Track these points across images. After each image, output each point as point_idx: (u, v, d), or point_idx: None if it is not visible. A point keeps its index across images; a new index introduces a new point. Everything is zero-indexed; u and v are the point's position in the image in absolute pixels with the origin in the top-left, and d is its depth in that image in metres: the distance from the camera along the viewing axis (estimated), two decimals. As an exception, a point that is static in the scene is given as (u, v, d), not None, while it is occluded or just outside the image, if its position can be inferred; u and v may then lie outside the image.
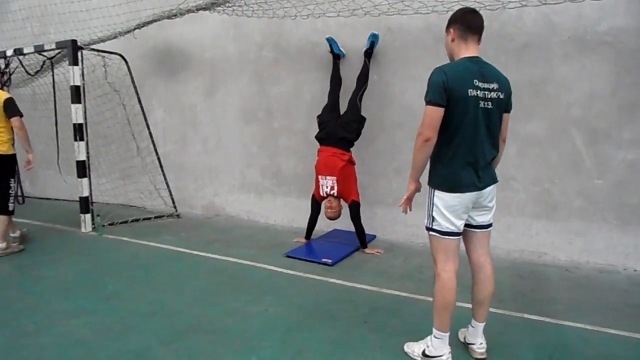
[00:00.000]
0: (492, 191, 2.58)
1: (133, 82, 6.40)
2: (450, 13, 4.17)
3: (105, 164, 7.11)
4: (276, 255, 4.69)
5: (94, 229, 5.86)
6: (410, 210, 2.76)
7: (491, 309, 3.32)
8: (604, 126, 4.22)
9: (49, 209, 7.35)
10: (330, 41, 5.06)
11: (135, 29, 5.83)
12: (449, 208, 2.48)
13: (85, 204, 5.84)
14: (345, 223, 5.19)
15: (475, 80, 2.38)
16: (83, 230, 5.83)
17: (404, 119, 5.08)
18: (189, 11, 5.18)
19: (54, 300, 3.67)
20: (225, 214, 6.54)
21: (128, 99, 6.55)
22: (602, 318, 3.24)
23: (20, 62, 6.62)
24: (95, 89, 6.54)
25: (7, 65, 6.92)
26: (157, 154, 6.57)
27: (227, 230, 5.81)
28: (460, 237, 2.59)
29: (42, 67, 6.64)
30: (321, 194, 4.79)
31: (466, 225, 2.61)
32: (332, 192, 4.67)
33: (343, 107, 5.01)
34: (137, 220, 6.26)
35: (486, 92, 2.41)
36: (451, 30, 2.54)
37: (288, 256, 4.66)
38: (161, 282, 4.05)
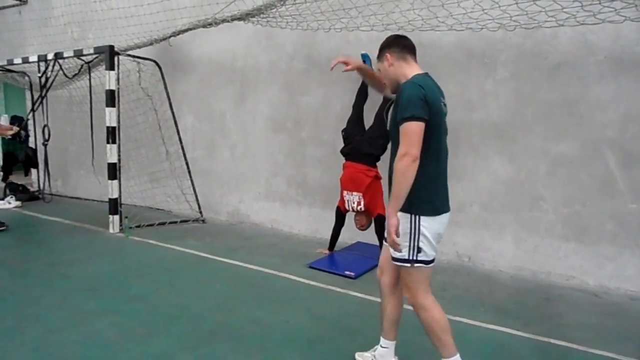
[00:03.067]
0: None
1: (166, 88, 6.55)
2: (485, 31, 4.21)
3: (135, 167, 7.27)
4: (299, 266, 4.69)
5: (121, 230, 5.98)
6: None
7: (517, 332, 3.28)
8: (639, 149, 4.11)
9: (78, 209, 7.53)
10: (365, 57, 5.06)
11: (170, 36, 5.98)
12: (434, 234, 2.33)
13: (114, 206, 5.97)
14: (368, 236, 5.17)
15: (441, 98, 2.34)
16: (111, 230, 5.95)
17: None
18: (224, 21, 5.28)
19: (81, 299, 3.75)
20: (250, 221, 6.60)
21: (160, 104, 6.70)
22: (633, 348, 3.13)
23: (60, 66, 6.84)
24: (129, 94, 6.71)
25: (47, 68, 7.15)
26: (185, 159, 6.68)
27: (251, 238, 5.85)
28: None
29: (79, 70, 6.85)
30: (347, 208, 4.79)
31: None
32: (358, 208, 4.65)
33: (368, 120, 5.01)
34: (163, 223, 6.36)
35: (444, 107, 2.38)
36: (387, 55, 2.44)
37: (311, 267, 4.66)
38: (185, 287, 4.10)
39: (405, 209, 2.26)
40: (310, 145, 5.96)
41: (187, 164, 6.69)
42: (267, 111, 6.30)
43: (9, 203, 7.52)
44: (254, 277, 4.41)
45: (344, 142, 4.95)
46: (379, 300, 3.83)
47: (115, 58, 5.88)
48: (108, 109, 5.79)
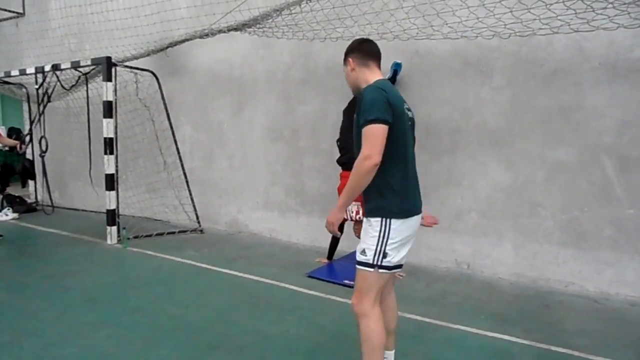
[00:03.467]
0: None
1: (163, 98, 6.55)
2: (480, 39, 4.24)
3: (133, 177, 7.26)
4: (298, 275, 4.68)
5: (119, 241, 5.96)
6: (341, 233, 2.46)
7: (517, 339, 3.27)
8: (636, 154, 4.13)
9: (76, 220, 7.51)
10: (397, 66, 4.94)
11: (167, 47, 6.01)
12: (403, 238, 2.27)
13: (112, 217, 5.96)
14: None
15: (404, 104, 2.33)
16: (109, 242, 5.93)
17: (429, 141, 5.06)
18: (220, 31, 5.30)
19: (79, 311, 3.73)
20: (248, 231, 6.58)
21: (157, 115, 6.70)
22: (633, 354, 3.13)
23: (57, 77, 6.85)
24: (126, 104, 6.71)
25: (44, 80, 7.16)
26: (183, 169, 6.68)
27: (249, 248, 5.83)
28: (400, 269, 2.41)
29: (77, 82, 6.86)
30: (345, 217, 4.78)
31: None
32: (357, 217, 4.64)
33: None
34: (161, 234, 6.34)
35: (408, 113, 2.36)
36: (349, 60, 2.42)
37: (310, 276, 4.65)
38: (183, 298, 4.08)
39: (375, 213, 2.25)
40: (308, 154, 5.97)
41: (185, 174, 6.69)
42: (265, 120, 6.31)
43: (6, 215, 7.49)
44: (253, 287, 4.39)
45: (340, 151, 4.94)
46: (378, 309, 3.84)
47: (113, 69, 5.89)
48: (105, 120, 5.79)
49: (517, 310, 3.90)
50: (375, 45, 2.46)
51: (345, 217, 4.70)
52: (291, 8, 4.55)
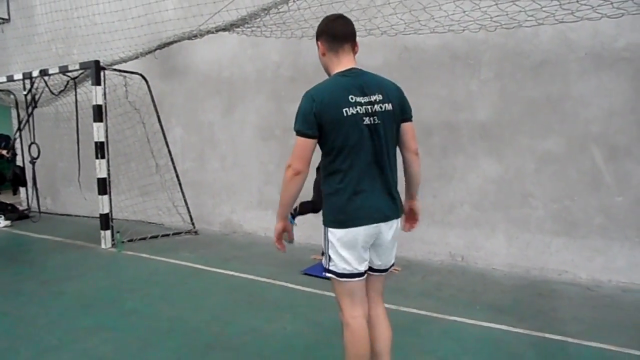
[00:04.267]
0: (397, 225, 2.24)
1: (153, 101, 6.54)
2: (468, 32, 4.27)
3: (125, 181, 7.23)
4: (294, 273, 4.69)
5: (113, 245, 5.94)
6: (285, 250, 2.39)
7: (512, 328, 3.31)
8: (623, 142, 4.18)
9: (69, 225, 7.47)
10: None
11: (156, 49, 5.98)
12: (345, 245, 2.12)
13: (105, 221, 5.94)
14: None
15: (351, 97, 2.06)
16: (103, 246, 5.91)
17: (419, 136, 5.03)
18: (208, 32, 5.29)
19: (75, 316, 3.72)
20: (243, 231, 6.59)
21: (148, 118, 6.68)
22: (626, 338, 3.17)
23: (45, 83, 6.81)
24: (116, 108, 6.68)
25: (32, 86, 7.12)
26: (175, 171, 6.66)
27: (244, 247, 5.84)
28: (361, 278, 2.20)
29: (65, 86, 6.82)
30: None
31: None
32: None
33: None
34: (155, 237, 6.33)
35: (369, 107, 2.09)
36: (319, 44, 2.25)
37: (305, 274, 4.67)
38: (179, 299, 4.08)
39: (322, 219, 2.21)
40: (300, 152, 5.96)
41: (177, 176, 6.67)
42: (256, 120, 6.31)
43: None
44: (249, 286, 4.40)
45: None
46: (374, 303, 3.86)
47: (101, 73, 5.87)
48: (96, 124, 5.77)
49: (512, 300, 3.94)
50: (345, 23, 2.24)
51: None
52: (279, 7, 4.55)
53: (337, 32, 2.19)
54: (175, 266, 5.07)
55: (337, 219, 2.12)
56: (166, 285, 4.46)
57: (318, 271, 4.70)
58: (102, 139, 5.84)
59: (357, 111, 2.06)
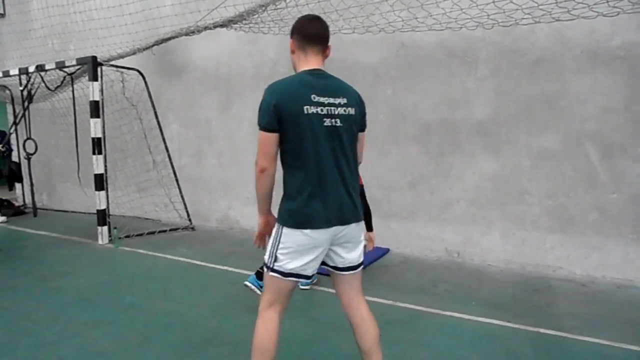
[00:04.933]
0: (358, 228, 2.21)
1: (150, 97, 6.53)
2: (465, 30, 4.29)
3: (122, 177, 7.23)
4: (290, 268, 4.71)
5: (110, 241, 5.94)
6: (264, 247, 2.30)
7: (508, 324, 3.34)
8: (618, 140, 4.22)
9: (66, 221, 7.46)
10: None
11: (153, 45, 5.98)
12: (297, 246, 2.08)
13: (102, 217, 5.94)
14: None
15: (313, 96, 2.03)
16: (100, 242, 5.91)
17: (417, 133, 5.12)
18: (206, 28, 5.30)
19: (73, 311, 3.73)
20: (240, 227, 6.60)
21: (145, 114, 6.68)
22: (620, 334, 3.21)
23: (42, 78, 6.79)
24: (113, 104, 6.68)
25: (28, 82, 7.10)
26: (172, 167, 6.67)
27: (241, 243, 5.86)
28: (303, 279, 2.20)
29: (62, 82, 6.80)
30: None
31: (332, 267, 2.26)
32: None
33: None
34: (152, 232, 6.34)
35: (332, 108, 2.06)
36: (291, 40, 2.23)
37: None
38: (178, 294, 4.10)
39: (277, 216, 2.19)
40: (297, 149, 5.98)
41: (174, 172, 6.68)
42: (253, 116, 6.24)
43: None
44: (246, 282, 4.41)
45: None
46: (371, 299, 3.89)
47: (99, 68, 5.85)
48: (93, 120, 5.76)
49: (507, 296, 3.98)
50: (319, 25, 2.21)
51: None
52: (276, 3, 4.56)
53: (310, 32, 2.18)
54: (173, 262, 5.08)
55: (293, 220, 2.08)
56: (164, 280, 4.47)
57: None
58: (99, 135, 5.83)
59: (318, 111, 2.03)
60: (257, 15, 4.78)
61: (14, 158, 8.48)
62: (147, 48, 6.06)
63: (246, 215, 6.54)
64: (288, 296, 2.23)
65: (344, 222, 2.11)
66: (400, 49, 5.12)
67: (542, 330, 3.27)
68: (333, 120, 2.06)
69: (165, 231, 6.45)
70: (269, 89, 2.08)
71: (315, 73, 2.13)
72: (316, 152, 2.04)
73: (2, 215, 7.56)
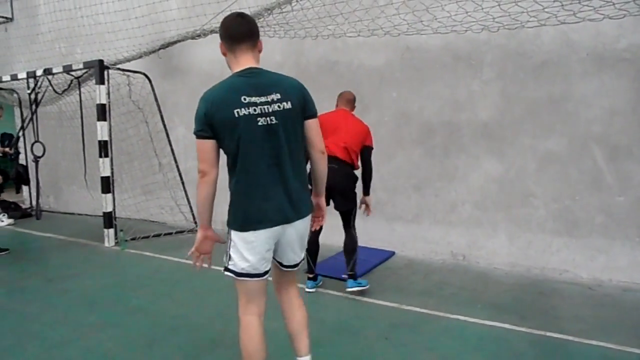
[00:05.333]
0: (303, 224, 2.22)
1: (156, 100, 6.57)
2: (470, 33, 4.29)
3: (128, 179, 7.27)
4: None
5: (116, 243, 5.98)
6: (206, 266, 2.36)
7: (513, 327, 3.33)
8: (625, 142, 4.20)
9: (72, 224, 7.51)
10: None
11: (159, 49, 6.02)
12: (246, 246, 2.12)
13: (108, 219, 5.97)
14: (363, 239, 5.21)
15: (244, 97, 2.02)
16: (106, 244, 5.95)
17: (422, 136, 5.12)
18: (212, 31, 5.32)
19: (80, 313, 3.76)
20: (245, 229, 6.60)
21: (151, 117, 6.71)
22: (627, 337, 3.20)
23: (49, 82, 6.84)
24: (119, 107, 6.72)
25: (36, 85, 7.16)
26: (178, 170, 6.70)
27: (246, 246, 5.86)
28: (263, 278, 2.20)
29: (69, 86, 6.86)
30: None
31: (277, 261, 2.32)
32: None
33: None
34: (158, 235, 6.37)
35: (265, 107, 2.05)
36: (220, 43, 2.21)
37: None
38: (184, 297, 4.11)
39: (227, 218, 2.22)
40: (302, 152, 6.00)
41: (180, 174, 6.70)
42: (258, 119, 6.32)
43: (2, 221, 7.47)
44: (252, 284, 4.42)
45: None
46: (377, 301, 3.91)
47: (105, 72, 5.90)
48: (99, 123, 5.80)
49: (513, 299, 3.97)
50: (243, 23, 2.17)
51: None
52: (282, 7, 4.58)
53: (232, 32, 2.15)
54: (179, 264, 5.10)
55: (238, 221, 2.13)
56: (170, 283, 4.49)
57: (321, 270, 4.72)
58: (106, 138, 5.87)
59: (250, 112, 2.03)
60: (262, 19, 4.80)
61: (21, 161, 8.54)
62: (153, 51, 6.10)
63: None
64: (260, 296, 2.25)
65: (286, 221, 2.13)
66: (406, 52, 5.12)
67: (547, 334, 3.26)
68: (268, 118, 2.05)
69: (171, 234, 6.47)
70: (201, 98, 2.08)
71: (246, 73, 2.12)
72: (253, 154, 2.06)
73: (10, 217, 7.61)
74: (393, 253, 5.31)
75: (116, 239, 6.01)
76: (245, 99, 2.03)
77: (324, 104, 5.72)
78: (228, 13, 5.36)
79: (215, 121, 2.02)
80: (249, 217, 2.10)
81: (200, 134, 2.06)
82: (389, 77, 5.26)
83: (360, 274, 4.57)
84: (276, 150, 2.08)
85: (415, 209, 5.24)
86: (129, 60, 6.31)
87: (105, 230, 5.97)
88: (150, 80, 6.52)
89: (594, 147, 4.33)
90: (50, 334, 3.36)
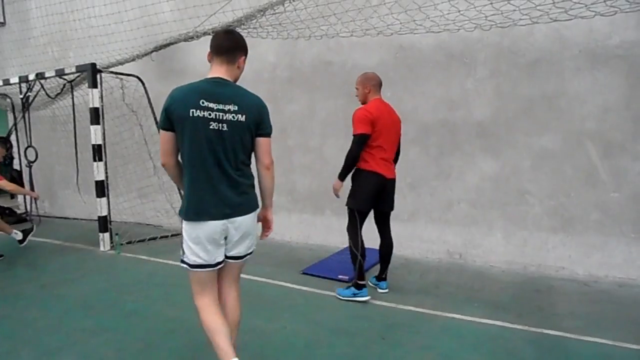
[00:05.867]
0: (245, 221, 2.38)
1: (150, 103, 6.54)
2: (463, 31, 4.29)
3: (123, 183, 7.24)
4: (293, 272, 4.71)
5: (112, 247, 5.94)
6: None
7: (510, 325, 3.34)
8: (618, 139, 4.22)
9: (67, 229, 7.47)
10: None
11: (152, 51, 5.99)
12: (193, 239, 2.30)
13: (103, 223, 5.94)
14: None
15: (202, 101, 2.22)
16: (101, 249, 5.92)
17: (416, 135, 5.12)
18: (204, 34, 5.30)
19: (75, 318, 3.73)
20: (241, 231, 6.59)
21: (145, 120, 6.68)
22: (623, 333, 3.20)
23: (42, 86, 6.80)
24: (113, 110, 6.69)
25: (29, 89, 7.12)
26: (173, 172, 6.65)
27: (243, 248, 5.84)
28: (213, 268, 2.38)
29: (62, 90, 6.82)
30: None
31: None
32: None
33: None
34: (154, 238, 6.34)
35: (219, 114, 2.25)
36: (208, 51, 2.45)
37: (304, 273, 4.69)
38: (179, 300, 4.09)
39: None
40: (297, 153, 6.00)
41: (175, 177, 6.66)
42: (253, 121, 6.31)
43: (16, 233, 6.98)
44: (248, 286, 4.39)
45: None
46: (373, 301, 3.90)
47: (98, 75, 5.87)
48: (93, 127, 5.76)
49: (510, 297, 3.97)
50: (226, 39, 2.40)
51: None
52: (275, 8, 4.57)
53: (216, 44, 2.39)
54: (175, 268, 5.07)
55: (183, 210, 2.33)
56: (166, 286, 4.46)
57: (317, 270, 4.73)
58: (100, 142, 5.84)
59: (204, 115, 2.22)
60: (255, 20, 4.79)
61: (15, 166, 8.50)
62: (146, 54, 6.08)
63: (247, 219, 6.53)
64: (211, 286, 2.45)
65: (227, 216, 2.31)
66: (399, 51, 5.13)
67: (544, 331, 3.27)
68: (220, 124, 2.25)
69: (166, 237, 6.45)
70: (169, 94, 2.29)
71: (212, 81, 2.33)
72: (200, 152, 2.25)
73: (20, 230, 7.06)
74: (389, 253, 5.31)
75: (111, 243, 5.98)
76: (202, 102, 2.23)
77: (318, 104, 5.75)
78: (221, 14, 5.36)
79: (174, 117, 2.23)
80: (191, 208, 2.30)
81: (162, 125, 2.30)
82: (383, 76, 5.21)
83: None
84: (222, 154, 2.28)
85: (411, 208, 5.24)
86: (121, 64, 6.28)
87: (100, 234, 5.93)
88: (143, 83, 6.49)
89: (588, 144, 4.35)
90: (45, 340, 3.33)
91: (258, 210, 2.50)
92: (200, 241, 2.30)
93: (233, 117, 2.28)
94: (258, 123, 2.37)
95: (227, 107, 2.27)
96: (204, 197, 2.28)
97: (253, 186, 2.45)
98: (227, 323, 2.46)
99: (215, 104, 2.25)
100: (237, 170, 2.33)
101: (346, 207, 3.98)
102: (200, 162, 2.26)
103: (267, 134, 2.44)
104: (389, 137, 3.90)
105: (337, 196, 4.00)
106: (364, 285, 3.92)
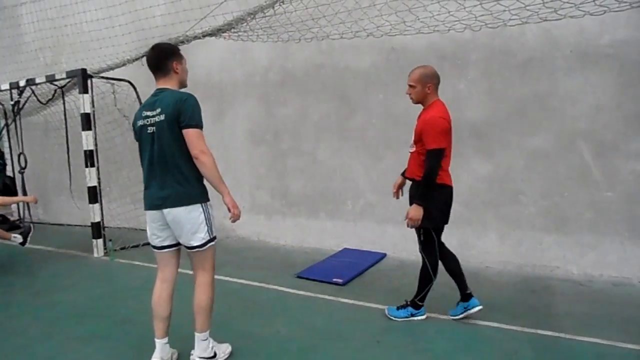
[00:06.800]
0: (178, 213, 2.71)
1: (142, 108, 6.51)
2: (455, 32, 4.29)
3: (117, 188, 7.20)
4: (287, 276, 4.69)
5: (105, 253, 5.91)
6: None
7: (505, 326, 3.32)
8: (610, 138, 4.22)
9: (61, 235, 7.42)
10: None
11: (143, 56, 5.96)
12: (148, 224, 2.85)
13: (97, 229, 5.91)
14: (354, 242, 5.20)
15: (143, 112, 2.70)
16: (95, 255, 5.88)
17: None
18: (195, 37, 5.29)
19: (68, 326, 3.70)
20: (236, 235, 6.57)
21: (138, 125, 6.65)
22: (618, 332, 3.20)
23: (33, 92, 6.76)
24: (105, 116, 6.65)
25: (20, 95, 7.07)
26: (167, 177, 6.63)
27: (237, 252, 5.82)
28: (160, 250, 2.92)
29: (53, 95, 6.78)
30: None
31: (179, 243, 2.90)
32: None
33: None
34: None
35: (152, 119, 2.65)
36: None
37: (299, 277, 4.67)
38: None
39: None
40: (290, 156, 5.98)
41: (169, 182, 6.64)
42: (246, 124, 6.31)
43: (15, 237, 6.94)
44: (242, 291, 4.39)
45: None
46: (369, 305, 3.88)
47: (89, 81, 5.84)
48: (84, 133, 5.74)
49: (505, 298, 3.97)
50: (149, 57, 2.84)
51: None
52: (265, 11, 4.56)
53: (148, 64, 2.84)
54: (169, 273, 5.04)
55: (144, 202, 2.82)
56: (159, 292, 4.43)
57: (312, 274, 4.71)
58: (92, 147, 5.81)
59: (144, 123, 2.69)
60: (245, 24, 4.78)
61: (8, 173, 8.44)
62: (137, 59, 6.04)
63: (241, 223, 6.43)
64: (163, 266, 3.00)
65: (158, 207, 2.71)
66: (391, 53, 5.12)
67: (540, 332, 3.26)
68: (152, 128, 2.66)
69: (161, 242, 6.40)
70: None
71: (153, 94, 2.75)
72: (144, 154, 2.75)
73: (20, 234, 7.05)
74: (384, 255, 5.30)
75: (105, 249, 5.94)
76: (144, 113, 2.71)
77: (311, 107, 5.73)
78: (211, 18, 5.34)
79: (133, 129, 2.82)
80: (145, 200, 2.81)
81: (134, 136, 2.84)
82: (375, 79, 5.25)
83: (351, 277, 4.57)
84: (157, 153, 2.67)
85: (405, 210, 5.22)
86: (112, 69, 6.25)
87: (94, 240, 5.90)
88: (135, 88, 6.46)
89: (580, 143, 4.35)
90: (38, 348, 3.30)
91: (201, 203, 2.87)
92: (150, 226, 2.82)
93: (157, 118, 2.64)
94: (176, 117, 2.61)
95: (154, 113, 2.65)
96: (145, 190, 2.78)
97: (188, 179, 2.72)
98: (194, 307, 3.02)
99: (150, 112, 2.67)
100: (169, 166, 2.66)
101: (414, 230, 3.61)
102: (144, 162, 2.76)
103: (188, 125, 2.62)
104: (451, 144, 3.57)
105: (415, 227, 3.54)
106: (422, 305, 3.63)
